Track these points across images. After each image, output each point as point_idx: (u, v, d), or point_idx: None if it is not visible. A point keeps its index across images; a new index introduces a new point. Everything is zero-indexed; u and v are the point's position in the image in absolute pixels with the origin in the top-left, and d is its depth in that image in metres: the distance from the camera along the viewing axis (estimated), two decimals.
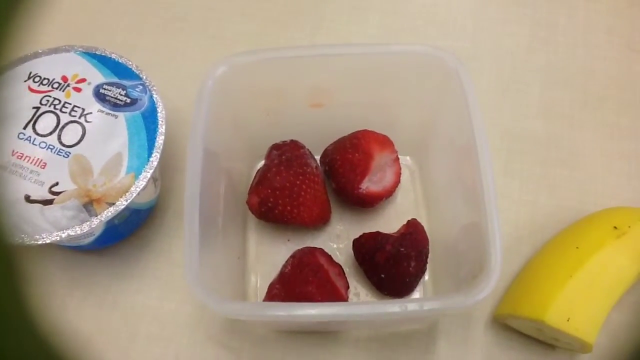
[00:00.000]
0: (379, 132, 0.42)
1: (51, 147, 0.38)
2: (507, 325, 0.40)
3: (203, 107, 0.36)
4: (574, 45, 0.53)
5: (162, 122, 0.39)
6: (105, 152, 0.38)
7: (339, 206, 0.44)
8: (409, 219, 0.41)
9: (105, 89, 0.40)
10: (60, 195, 0.37)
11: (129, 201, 0.37)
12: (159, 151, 0.38)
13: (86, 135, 0.38)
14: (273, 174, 0.40)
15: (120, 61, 0.41)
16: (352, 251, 0.41)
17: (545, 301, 0.35)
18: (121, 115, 0.39)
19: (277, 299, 0.37)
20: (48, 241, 0.35)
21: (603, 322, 0.36)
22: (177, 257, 0.43)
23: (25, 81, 0.40)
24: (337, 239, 0.43)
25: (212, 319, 0.41)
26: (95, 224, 0.36)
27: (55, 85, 0.40)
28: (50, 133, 0.38)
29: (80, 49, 0.42)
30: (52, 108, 0.39)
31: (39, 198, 0.36)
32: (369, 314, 0.30)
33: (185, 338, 0.41)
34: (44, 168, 0.37)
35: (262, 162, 0.43)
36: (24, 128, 0.38)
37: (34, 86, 0.40)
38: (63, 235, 0.35)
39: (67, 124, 0.39)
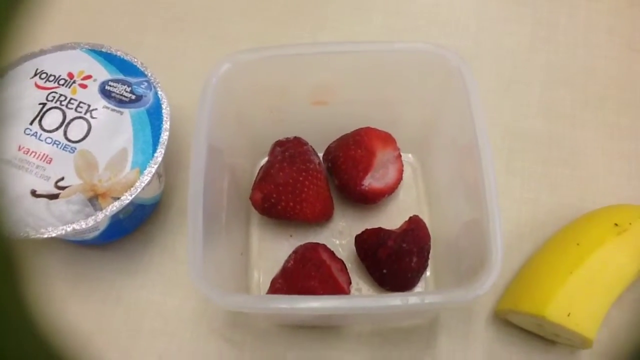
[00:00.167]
0: (382, 130, 0.42)
1: (57, 142, 0.38)
2: (508, 321, 0.40)
3: (207, 104, 0.36)
4: (575, 45, 0.53)
5: (166, 118, 0.40)
6: (110, 148, 0.38)
7: (342, 203, 0.44)
8: (411, 215, 0.41)
9: (110, 85, 0.40)
10: (66, 189, 0.37)
11: (133, 196, 0.37)
12: (164, 147, 0.39)
13: (92, 131, 0.39)
14: (276, 170, 0.40)
15: (125, 58, 0.42)
16: (354, 247, 0.42)
17: (546, 297, 0.36)
18: (126, 112, 0.39)
19: (279, 294, 0.37)
20: (54, 235, 0.36)
21: (603, 318, 0.36)
22: (180, 253, 0.44)
23: (31, 78, 0.41)
24: (340, 235, 0.44)
25: (215, 313, 0.41)
26: (100, 218, 0.36)
27: (62, 82, 0.40)
28: (56, 129, 0.39)
29: (86, 46, 0.42)
30: (58, 104, 0.40)
31: (45, 192, 0.37)
32: (371, 307, 0.30)
33: (189, 332, 0.41)
34: (49, 163, 0.38)
35: (266, 159, 0.43)
36: (30, 124, 0.39)
37: (40, 83, 0.40)
38: (68, 229, 0.36)
39: (72, 119, 0.39)
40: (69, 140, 0.38)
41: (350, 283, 0.40)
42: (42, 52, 0.42)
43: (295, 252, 0.39)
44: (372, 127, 0.43)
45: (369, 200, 0.42)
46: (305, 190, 0.40)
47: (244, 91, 0.40)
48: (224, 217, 0.39)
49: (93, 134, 0.39)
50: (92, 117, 0.39)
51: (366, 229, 0.40)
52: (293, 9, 0.55)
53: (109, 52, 0.42)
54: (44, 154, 0.38)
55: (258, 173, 0.42)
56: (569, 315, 0.35)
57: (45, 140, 0.38)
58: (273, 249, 0.43)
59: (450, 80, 0.38)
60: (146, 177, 0.38)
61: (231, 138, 0.41)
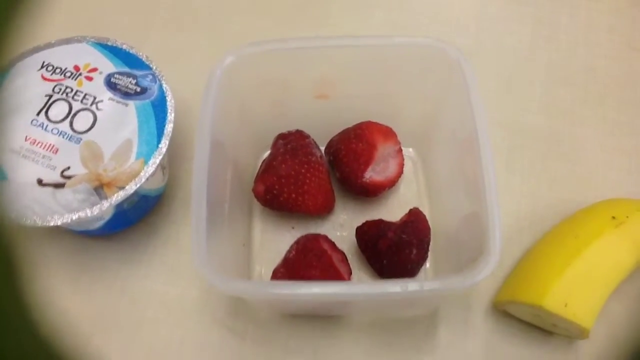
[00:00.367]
0: (383, 124, 0.43)
1: (63, 133, 0.39)
2: (506, 312, 0.40)
3: (211, 96, 0.37)
4: (576, 44, 0.54)
5: (171, 110, 0.40)
6: (115, 139, 0.39)
7: (343, 196, 0.45)
8: (411, 208, 0.42)
9: (116, 78, 0.41)
10: (72, 179, 0.38)
11: (138, 185, 0.38)
12: (168, 138, 0.39)
13: (97, 122, 0.39)
14: (279, 162, 0.41)
15: (131, 52, 0.42)
16: (355, 239, 0.42)
17: (544, 287, 0.36)
18: (131, 104, 0.40)
19: None
20: (59, 223, 0.36)
21: (600, 309, 0.37)
22: (183, 243, 0.44)
23: (38, 70, 0.41)
24: (341, 228, 0.44)
25: (217, 303, 0.42)
26: (105, 207, 0.37)
27: (68, 74, 0.41)
28: (63, 120, 0.39)
29: (92, 40, 0.43)
30: (64, 96, 0.40)
31: (51, 182, 0.38)
32: (371, 293, 0.31)
33: (191, 322, 0.42)
34: (56, 153, 0.38)
35: (268, 152, 0.44)
36: (37, 115, 0.40)
37: (47, 75, 0.41)
38: (74, 217, 0.36)
39: (78, 111, 0.40)
40: (75, 131, 0.39)
41: (350, 273, 0.40)
42: (49, 46, 0.43)
43: (297, 242, 0.40)
44: (374, 121, 0.43)
45: (370, 193, 0.43)
46: (307, 182, 0.41)
47: (247, 85, 0.41)
48: (226, 208, 0.40)
49: (98, 125, 0.39)
50: (97, 108, 0.40)
51: (367, 221, 0.41)
52: (297, 5, 0.56)
53: (114, 45, 0.43)
54: (50, 144, 0.39)
55: (261, 166, 0.43)
56: (566, 306, 0.35)
57: (52, 131, 0.39)
58: (275, 241, 0.44)
59: (451, 75, 0.39)
60: (150, 168, 0.38)
61: (234, 131, 0.42)
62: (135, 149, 0.39)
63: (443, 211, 0.43)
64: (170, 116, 0.40)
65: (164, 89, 0.41)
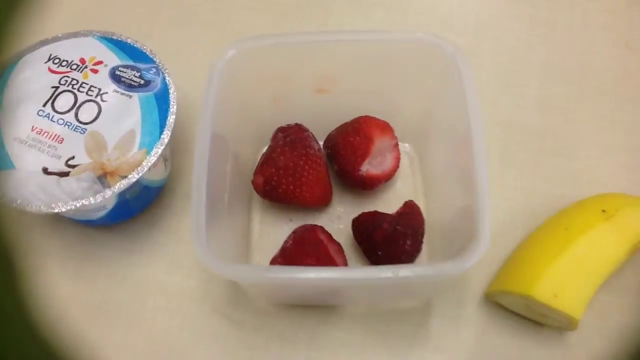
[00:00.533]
0: (380, 119, 0.44)
1: (68, 123, 0.40)
2: (498, 304, 0.41)
3: (212, 90, 0.38)
4: (573, 42, 0.55)
5: (173, 102, 0.41)
6: (119, 129, 0.40)
7: (341, 189, 0.46)
8: (406, 200, 0.42)
9: (120, 70, 0.42)
10: (76, 168, 0.39)
11: (140, 175, 0.39)
12: (170, 129, 0.40)
13: (102, 113, 0.41)
14: (277, 154, 0.42)
15: (135, 46, 0.44)
16: (351, 232, 0.43)
17: (534, 277, 0.37)
18: (135, 96, 0.41)
19: None
20: (63, 210, 0.37)
21: (589, 301, 0.38)
22: (184, 234, 0.45)
23: (45, 62, 0.43)
24: (338, 220, 0.45)
25: (216, 292, 0.43)
26: (107, 195, 0.38)
27: (74, 67, 0.42)
28: (68, 111, 0.41)
29: (98, 34, 0.44)
30: (70, 88, 0.41)
31: (56, 170, 0.39)
32: (363, 278, 0.32)
33: (191, 310, 0.43)
34: (61, 143, 0.40)
35: (268, 145, 0.45)
36: (44, 106, 0.41)
37: (54, 67, 0.42)
38: (78, 205, 0.38)
39: (83, 102, 0.41)
40: (80, 122, 0.40)
41: (346, 264, 0.41)
42: (56, 39, 0.44)
43: (294, 232, 0.41)
44: (371, 116, 0.44)
45: (367, 185, 0.44)
46: (305, 175, 0.42)
47: (248, 79, 0.42)
48: (226, 199, 0.41)
49: (103, 116, 0.40)
50: (102, 100, 0.41)
51: (363, 212, 0.42)
52: (298, 3, 0.57)
53: (119, 39, 0.44)
54: (56, 134, 0.40)
55: (260, 158, 0.44)
56: (555, 296, 0.36)
57: (57, 121, 0.40)
58: (273, 233, 0.45)
59: (447, 71, 0.40)
60: (153, 157, 0.39)
61: (235, 125, 0.43)
62: (138, 140, 0.40)
63: (438, 205, 0.44)
64: (173, 108, 0.41)
65: (167, 82, 0.42)
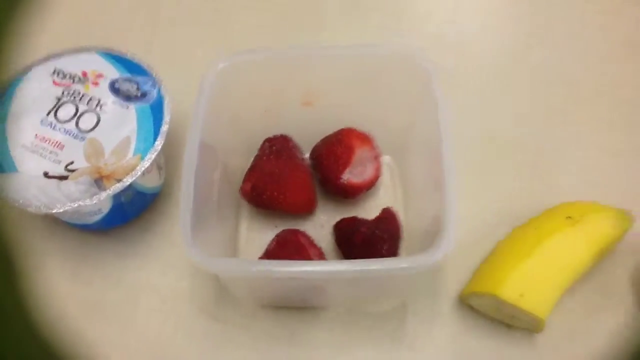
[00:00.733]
0: (362, 131, 0.47)
1: (69, 131, 0.43)
2: (472, 307, 0.43)
3: (202, 101, 0.40)
4: (549, 56, 0.58)
5: (167, 112, 0.44)
6: (116, 137, 0.43)
7: (325, 198, 0.48)
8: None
9: (119, 83, 0.45)
10: (75, 172, 0.42)
11: (134, 178, 0.41)
12: (164, 137, 0.43)
13: (100, 122, 0.44)
14: (263, 162, 0.45)
15: (134, 60, 0.47)
16: (333, 239, 0.45)
17: (501, 278, 0.39)
18: (132, 106, 0.44)
19: None
20: (61, 210, 0.40)
21: (556, 303, 0.40)
22: (176, 238, 0.48)
23: (50, 76, 0.46)
24: (321, 228, 0.47)
25: (205, 294, 0.45)
26: (103, 196, 0.41)
27: (76, 80, 0.46)
28: (69, 120, 0.44)
29: (99, 49, 0.47)
30: (72, 99, 0.45)
31: (56, 174, 0.42)
32: (337, 270, 0.34)
33: (181, 310, 0.45)
34: (62, 149, 0.43)
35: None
36: (47, 115, 0.44)
37: (58, 80, 0.46)
38: (75, 205, 0.40)
39: (84, 112, 0.44)
40: (80, 130, 0.43)
41: None
42: (61, 54, 0.47)
43: (277, 235, 0.43)
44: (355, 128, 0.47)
45: (348, 193, 0.46)
46: (289, 181, 0.45)
47: (238, 91, 0.44)
48: (215, 205, 0.43)
49: (101, 125, 0.44)
50: (101, 110, 0.44)
51: (343, 218, 0.44)
52: (294, 12, 0.60)
53: (119, 54, 0.47)
54: (57, 142, 0.43)
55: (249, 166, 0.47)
56: (521, 296, 0.38)
57: (59, 129, 0.43)
58: (259, 238, 0.47)
59: (424, 86, 0.42)
60: (146, 163, 0.42)
61: (225, 136, 0.46)
62: (133, 146, 0.43)
63: (416, 214, 0.46)
64: (167, 118, 0.44)
65: (162, 94, 0.45)
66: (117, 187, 0.41)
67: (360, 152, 0.46)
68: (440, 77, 0.41)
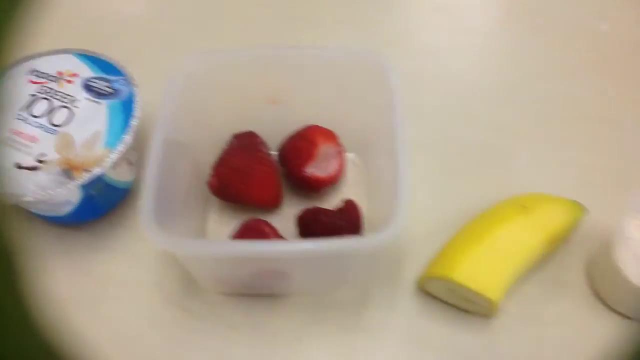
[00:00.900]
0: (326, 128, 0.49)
1: (42, 126, 0.45)
2: (430, 294, 0.45)
3: (168, 96, 0.43)
4: (510, 62, 0.60)
5: (137, 108, 0.46)
6: (87, 131, 0.45)
7: (291, 193, 0.50)
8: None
9: (92, 81, 0.47)
10: (46, 163, 0.43)
11: (103, 170, 0.43)
12: (132, 131, 0.45)
13: (73, 117, 0.46)
14: (230, 156, 0.46)
15: (107, 61, 0.49)
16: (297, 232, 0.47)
17: (453, 262, 0.41)
18: (104, 103, 0.46)
19: None
20: (31, 199, 0.42)
21: (509, 288, 0.41)
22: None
23: (27, 75, 0.48)
24: (287, 221, 0.49)
25: (171, 284, 0.47)
26: (72, 186, 0.42)
27: (51, 78, 0.48)
28: (43, 115, 0.46)
29: (76, 51, 0.50)
30: (46, 95, 0.47)
31: (28, 165, 0.43)
32: (295, 250, 0.36)
33: (148, 300, 0.46)
34: (35, 142, 0.44)
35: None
36: (22, 111, 0.46)
37: (34, 79, 0.48)
38: (44, 194, 0.42)
39: (57, 108, 0.46)
40: (53, 125, 0.45)
41: None
42: (39, 55, 0.49)
43: (241, 223, 0.45)
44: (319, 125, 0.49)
45: (313, 187, 0.48)
46: (255, 176, 0.46)
47: (207, 90, 0.46)
48: (181, 198, 0.45)
49: (74, 120, 0.45)
50: (74, 106, 0.46)
51: (306, 208, 0.46)
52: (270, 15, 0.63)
53: (94, 55, 0.49)
54: (31, 135, 0.45)
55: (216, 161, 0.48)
56: (471, 277, 0.40)
57: (33, 123, 0.45)
58: (227, 231, 0.48)
59: (383, 86, 0.44)
60: (115, 155, 0.44)
61: (193, 132, 0.47)
62: (103, 139, 0.45)
63: (377, 207, 0.48)
64: (137, 113, 0.46)
65: (133, 91, 0.47)
66: (85, 178, 0.43)
67: (325, 148, 0.47)
68: (401, 79, 0.44)
